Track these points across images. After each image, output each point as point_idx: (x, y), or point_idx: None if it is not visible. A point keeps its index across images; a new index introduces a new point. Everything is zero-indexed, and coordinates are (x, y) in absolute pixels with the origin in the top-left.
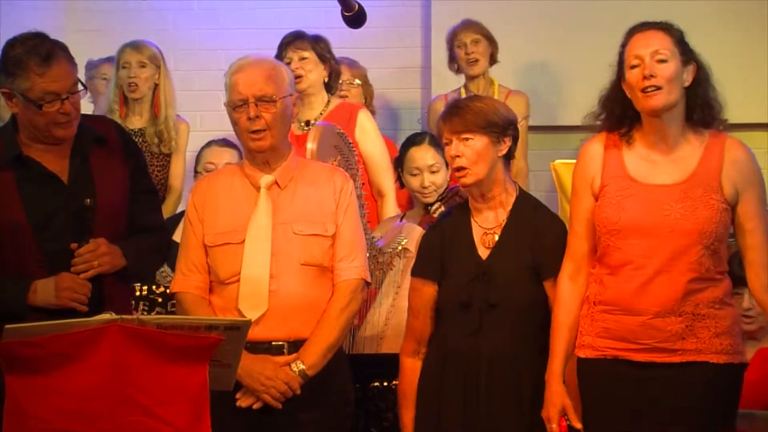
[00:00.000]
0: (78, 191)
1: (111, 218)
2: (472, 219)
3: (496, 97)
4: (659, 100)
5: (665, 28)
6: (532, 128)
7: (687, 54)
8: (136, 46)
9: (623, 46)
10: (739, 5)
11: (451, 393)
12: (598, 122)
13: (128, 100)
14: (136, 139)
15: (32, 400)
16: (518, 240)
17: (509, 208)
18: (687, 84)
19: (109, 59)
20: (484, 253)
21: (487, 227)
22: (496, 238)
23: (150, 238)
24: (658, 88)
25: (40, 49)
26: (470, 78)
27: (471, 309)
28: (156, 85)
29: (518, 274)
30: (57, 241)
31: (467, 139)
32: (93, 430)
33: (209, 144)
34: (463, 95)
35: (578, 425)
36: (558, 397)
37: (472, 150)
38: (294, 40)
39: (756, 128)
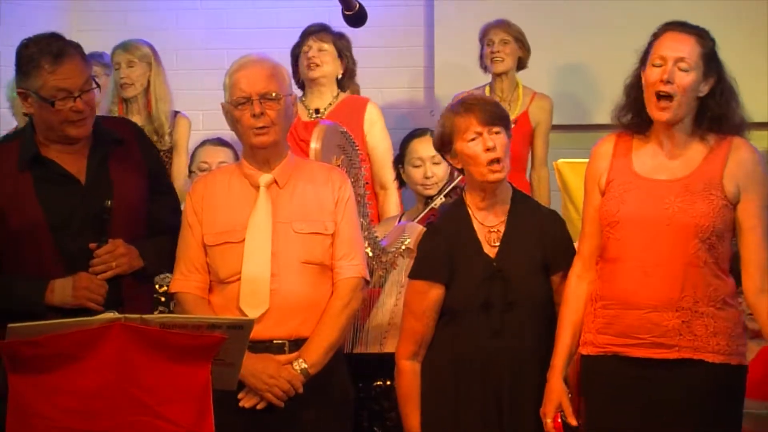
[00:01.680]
0: (95, 192)
1: (129, 219)
2: (472, 218)
3: (520, 98)
4: (668, 114)
5: (699, 35)
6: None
7: (710, 67)
8: (125, 46)
9: (654, 37)
10: (739, 4)
11: (471, 394)
12: (622, 116)
13: (125, 100)
14: None
15: (36, 399)
16: (523, 236)
17: (507, 205)
18: (702, 95)
19: (90, 56)
20: (491, 251)
21: (489, 225)
22: (501, 235)
23: (168, 239)
24: (671, 96)
25: (52, 47)
26: (495, 75)
27: (491, 309)
28: (149, 83)
29: (530, 271)
30: (75, 241)
31: (498, 132)
32: (96, 428)
33: (203, 143)
34: (487, 92)
35: (573, 422)
36: (556, 393)
37: (503, 143)
38: (318, 30)
39: (756, 128)
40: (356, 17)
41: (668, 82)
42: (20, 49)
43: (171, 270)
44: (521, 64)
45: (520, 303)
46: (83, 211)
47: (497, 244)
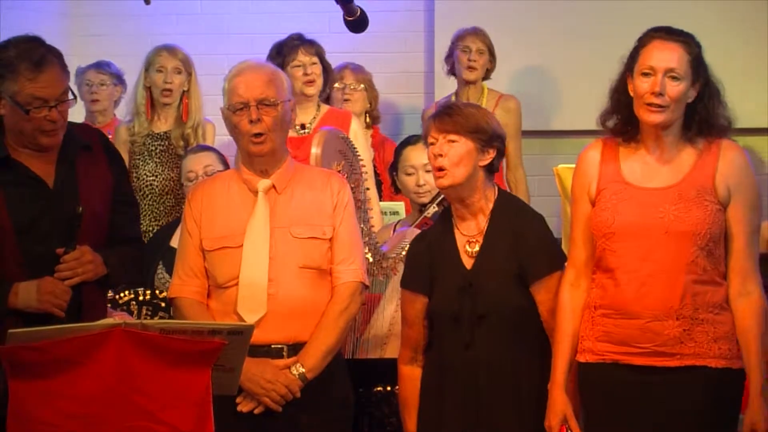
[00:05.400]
0: (63, 197)
1: (94, 225)
2: (454, 227)
3: (485, 101)
4: (659, 118)
5: (686, 42)
6: (533, 133)
7: (698, 72)
8: (171, 50)
9: (641, 43)
10: (740, 8)
11: (451, 403)
12: (608, 120)
13: (154, 103)
14: (162, 143)
15: (36, 405)
16: (500, 246)
17: (488, 213)
18: (690, 101)
19: (96, 65)
20: (468, 262)
21: (469, 235)
22: (478, 246)
23: (130, 249)
24: (663, 106)
25: (33, 54)
26: (464, 83)
27: (461, 322)
28: (185, 91)
29: (503, 283)
30: (40, 245)
31: (453, 141)
32: None
33: (185, 155)
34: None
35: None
36: (560, 405)
37: (456, 152)
38: (303, 43)
39: (757, 133)
40: (358, 23)
41: (660, 94)
42: (0, 50)
43: (130, 281)
44: (486, 75)
45: (490, 316)
46: (50, 215)
47: (474, 255)
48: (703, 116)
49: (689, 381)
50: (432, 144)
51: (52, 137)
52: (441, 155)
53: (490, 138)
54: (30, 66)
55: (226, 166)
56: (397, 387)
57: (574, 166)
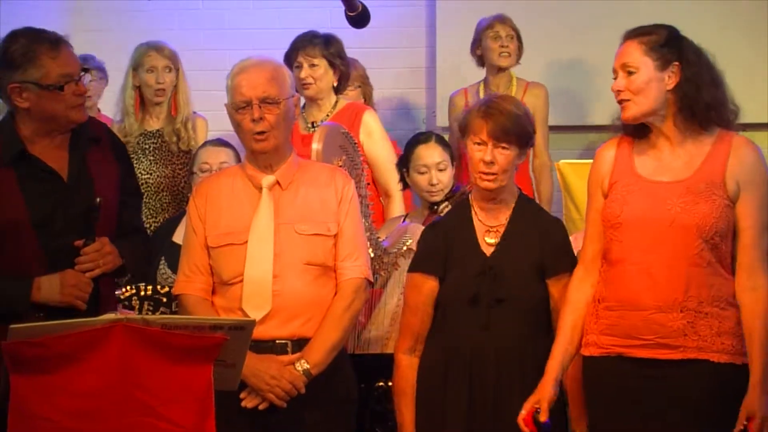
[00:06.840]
0: (77, 190)
1: (107, 217)
2: (474, 217)
3: (514, 90)
4: (628, 112)
5: (640, 34)
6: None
7: (665, 57)
8: (159, 48)
9: None
10: (740, 8)
11: (456, 389)
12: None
13: (145, 102)
14: (155, 141)
15: (38, 400)
16: (522, 238)
17: (512, 207)
18: (669, 87)
19: (82, 59)
20: (488, 249)
21: (489, 225)
22: (499, 236)
23: (139, 239)
24: (628, 100)
25: (46, 36)
26: (496, 70)
27: (479, 304)
28: (174, 87)
29: (524, 271)
30: (58, 239)
31: (505, 148)
32: (98, 430)
33: (204, 145)
34: (481, 90)
35: (544, 418)
36: (540, 393)
37: (507, 160)
38: (305, 45)
39: (756, 128)
40: (359, 18)
41: (618, 90)
42: (6, 44)
43: (141, 271)
44: (516, 61)
45: (508, 300)
46: (66, 208)
47: (495, 242)
48: (685, 102)
49: (692, 375)
50: (479, 144)
51: (81, 111)
52: (493, 162)
53: (530, 141)
54: (50, 45)
55: None
56: None
57: (576, 162)
